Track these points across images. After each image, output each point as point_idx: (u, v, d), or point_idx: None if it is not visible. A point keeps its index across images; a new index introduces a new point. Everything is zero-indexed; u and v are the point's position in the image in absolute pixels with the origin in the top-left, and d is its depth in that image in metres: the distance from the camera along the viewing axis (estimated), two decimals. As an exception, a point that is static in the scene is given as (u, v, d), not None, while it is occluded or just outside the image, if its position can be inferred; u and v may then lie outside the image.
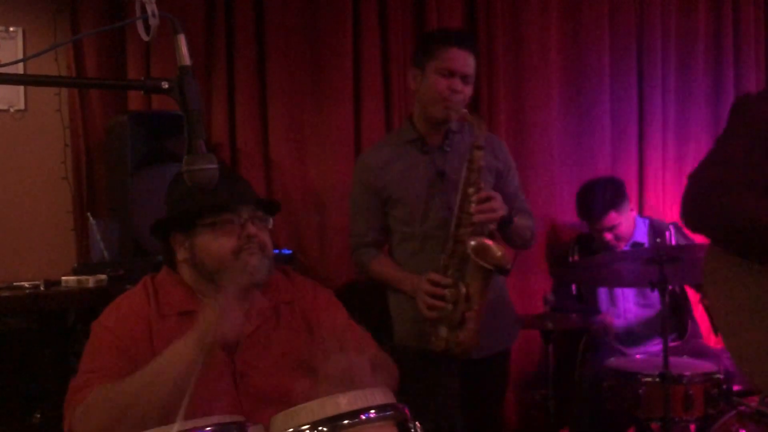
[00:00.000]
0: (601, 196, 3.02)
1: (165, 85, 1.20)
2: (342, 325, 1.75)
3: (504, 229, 2.23)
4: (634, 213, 3.10)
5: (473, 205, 2.08)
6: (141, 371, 1.41)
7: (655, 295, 2.95)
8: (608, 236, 3.00)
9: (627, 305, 3.04)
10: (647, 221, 3.11)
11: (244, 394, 1.54)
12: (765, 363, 1.49)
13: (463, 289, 2.06)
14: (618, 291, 3.05)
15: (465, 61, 2.21)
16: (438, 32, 2.29)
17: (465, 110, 2.17)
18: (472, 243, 2.05)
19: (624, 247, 3.04)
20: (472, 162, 2.11)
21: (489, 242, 2.08)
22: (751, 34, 3.55)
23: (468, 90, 2.24)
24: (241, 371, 1.56)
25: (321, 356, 1.64)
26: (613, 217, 2.99)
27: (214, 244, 1.57)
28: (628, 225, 3.02)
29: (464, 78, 2.21)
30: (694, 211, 1.59)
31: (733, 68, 3.55)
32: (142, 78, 1.23)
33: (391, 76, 3.19)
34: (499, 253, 2.07)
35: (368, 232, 2.35)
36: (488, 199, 2.08)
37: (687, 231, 3.12)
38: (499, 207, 2.09)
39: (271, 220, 1.69)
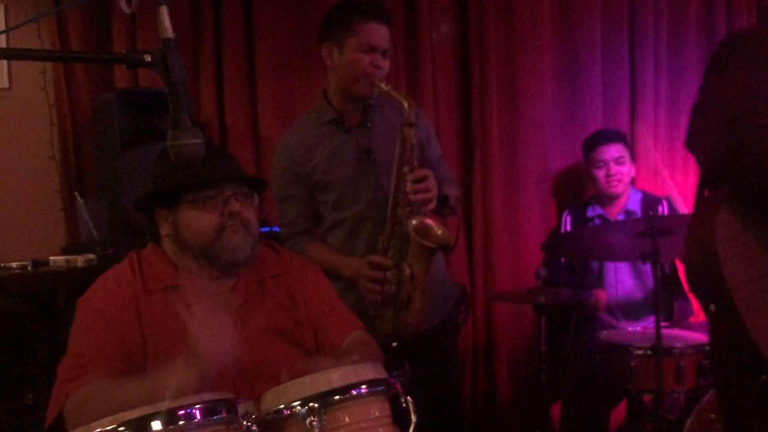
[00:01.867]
0: (612, 131, 3.11)
1: (148, 58, 1.17)
2: (329, 302, 1.75)
3: (440, 208, 2.17)
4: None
5: (409, 184, 2.03)
6: (138, 384, 1.38)
7: (648, 273, 2.97)
8: (606, 171, 2.98)
9: (621, 277, 3.04)
10: (640, 193, 3.10)
11: (231, 368, 1.52)
12: None
13: (407, 270, 2.03)
14: (611, 265, 3.05)
15: (385, 35, 2.16)
16: (353, 5, 2.16)
17: (389, 86, 2.10)
18: (413, 222, 2.01)
19: (617, 214, 3.05)
20: (405, 140, 2.06)
21: (429, 221, 2.05)
22: (742, 7, 3.51)
23: (387, 64, 2.18)
24: None
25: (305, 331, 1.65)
26: (619, 148, 3.00)
27: (197, 220, 1.55)
28: (627, 174, 3.01)
29: (384, 52, 2.16)
30: (712, 142, 1.43)
31: (725, 40, 3.52)
32: (125, 51, 1.20)
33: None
34: (440, 232, 2.04)
35: (298, 220, 2.26)
36: (424, 178, 2.03)
37: (679, 206, 3.13)
38: (434, 186, 2.05)
39: (256, 198, 1.67)
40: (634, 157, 3.13)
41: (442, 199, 2.11)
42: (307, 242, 2.25)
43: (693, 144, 1.50)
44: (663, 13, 3.40)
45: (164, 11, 1.15)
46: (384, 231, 2.10)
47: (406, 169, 2.05)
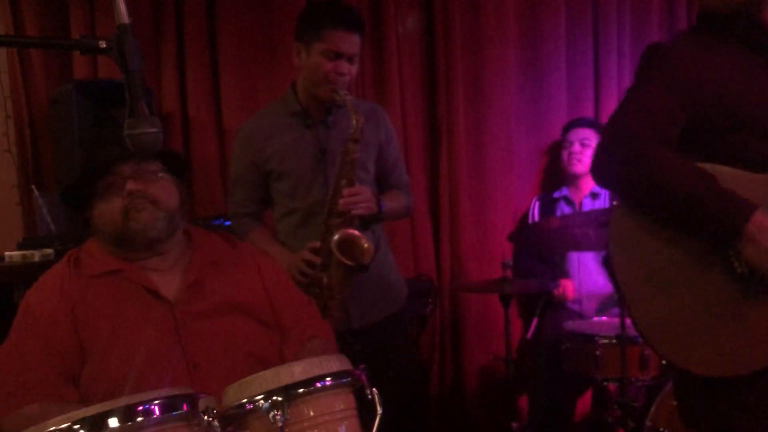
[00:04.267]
0: (590, 119, 3.25)
1: (103, 44, 1.13)
2: (287, 287, 1.75)
3: (369, 225, 2.22)
4: None
5: (343, 197, 2.08)
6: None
7: None
8: (569, 150, 3.12)
9: (586, 269, 3.07)
10: None
11: (188, 343, 1.52)
12: (671, 332, 1.49)
13: (325, 280, 2.09)
14: (574, 256, 3.07)
15: (352, 42, 2.17)
16: (325, 10, 2.18)
17: (347, 96, 2.12)
18: (336, 237, 2.06)
19: (584, 197, 3.10)
20: (347, 154, 2.10)
21: (356, 234, 2.09)
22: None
23: (354, 69, 2.20)
24: (182, 320, 1.54)
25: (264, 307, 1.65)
26: (589, 132, 3.10)
27: (105, 209, 1.56)
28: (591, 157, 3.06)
29: (350, 58, 2.17)
30: (607, 163, 1.52)
31: (687, 33, 3.57)
32: (79, 37, 1.16)
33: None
34: (364, 246, 2.07)
35: (248, 203, 2.33)
36: (358, 193, 2.10)
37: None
38: (365, 201, 2.10)
39: (160, 168, 1.61)
40: None
41: (374, 217, 2.17)
42: (252, 225, 2.34)
43: (592, 166, 1.57)
44: (626, 6, 3.44)
45: (119, -5, 1.12)
46: (319, 235, 2.14)
47: (343, 182, 2.11)
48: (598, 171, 1.55)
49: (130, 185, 1.54)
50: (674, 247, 1.51)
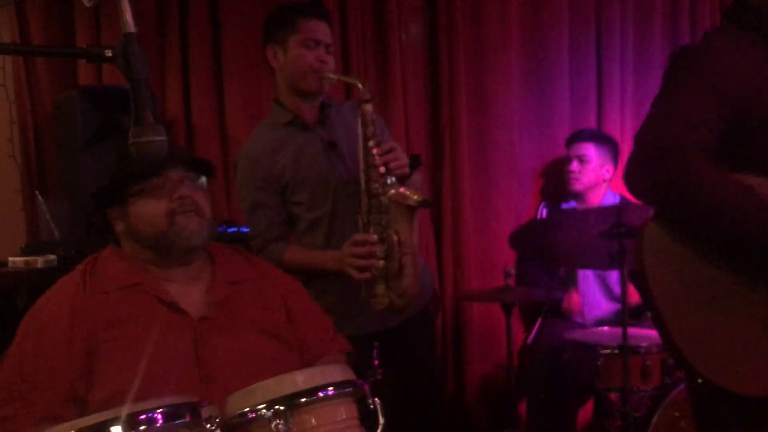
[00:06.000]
0: (594, 130, 3.18)
1: (109, 52, 1.14)
2: (307, 307, 1.74)
3: (411, 172, 2.14)
4: (607, 185, 3.12)
5: (377, 157, 2.01)
6: None
7: (612, 281, 3.00)
8: (569, 167, 3.07)
9: (587, 283, 3.06)
10: (618, 197, 3.13)
11: (205, 357, 1.50)
12: (709, 349, 1.44)
13: (394, 236, 2.00)
14: (580, 273, 3.06)
15: (326, 30, 2.19)
16: (294, 5, 2.19)
17: (338, 75, 2.13)
18: (391, 191, 2.00)
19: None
20: (365, 115, 2.04)
21: (402, 188, 2.03)
22: (705, 10, 3.58)
23: (332, 59, 2.20)
24: (201, 334, 1.52)
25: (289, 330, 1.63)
26: (588, 147, 3.04)
27: (147, 209, 1.53)
28: (594, 175, 3.04)
29: (327, 47, 2.18)
30: (641, 174, 1.46)
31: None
32: (86, 46, 1.17)
33: (350, 48, 3.14)
34: (417, 194, 2.01)
35: (272, 228, 2.19)
36: (391, 150, 2.03)
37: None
38: (402, 154, 2.06)
39: (204, 180, 1.63)
40: (616, 160, 3.13)
41: (413, 161, 2.09)
42: (283, 248, 2.19)
43: (626, 178, 1.52)
44: (629, 15, 3.45)
45: (125, 4, 1.12)
46: (361, 209, 2.06)
47: (371, 143, 2.03)
48: (632, 184, 1.50)
49: (184, 190, 1.54)
50: (715, 261, 1.45)
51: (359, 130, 2.05)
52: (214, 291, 1.59)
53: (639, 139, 1.50)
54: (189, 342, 1.50)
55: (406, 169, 2.05)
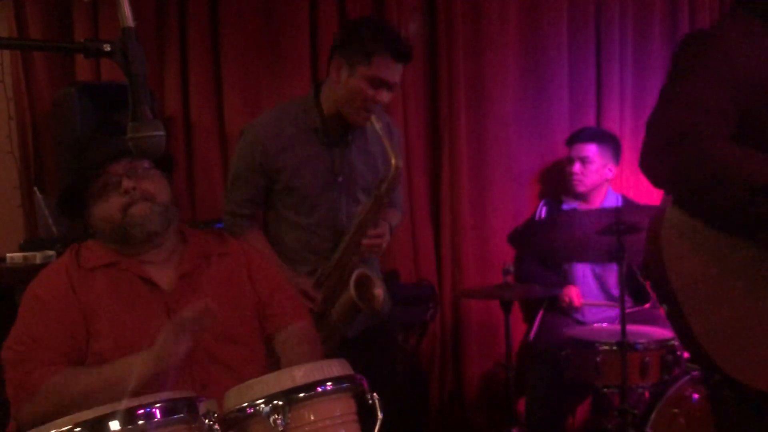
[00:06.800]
0: (595, 129, 3.15)
1: (107, 47, 1.13)
2: (275, 284, 1.80)
3: None
4: (609, 184, 3.11)
5: (367, 239, 2.12)
6: (92, 374, 1.46)
7: (609, 276, 3.00)
8: (571, 168, 3.03)
9: (585, 279, 3.06)
10: (620, 197, 3.12)
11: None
12: (732, 344, 1.39)
13: (334, 317, 2.09)
14: (579, 269, 3.06)
15: (398, 72, 2.13)
16: (378, 34, 2.07)
17: (378, 124, 2.08)
18: (355, 274, 2.06)
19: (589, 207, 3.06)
20: (379, 202, 2.12)
21: (372, 278, 2.10)
22: (705, 6, 3.58)
23: (390, 96, 2.17)
24: (173, 309, 1.59)
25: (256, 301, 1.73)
26: (591, 148, 3.01)
27: (101, 210, 1.61)
28: (597, 176, 3.03)
29: (390, 87, 2.13)
30: (659, 160, 1.40)
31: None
32: (83, 40, 1.16)
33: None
34: (377, 291, 2.08)
35: (245, 204, 2.25)
36: (380, 235, 2.14)
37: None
38: (385, 243, 2.18)
39: (147, 164, 1.66)
40: (618, 158, 3.13)
41: None
42: (248, 227, 2.26)
43: (643, 165, 1.47)
44: (628, 12, 3.45)
45: (124, -2, 1.12)
46: (326, 266, 2.15)
47: (370, 223, 2.13)
48: (650, 170, 1.44)
49: (126, 183, 1.59)
50: (739, 253, 1.40)
51: (366, 207, 2.13)
52: (182, 265, 1.67)
53: (653, 125, 1.44)
54: (163, 312, 1.59)
55: (379, 253, 2.20)
